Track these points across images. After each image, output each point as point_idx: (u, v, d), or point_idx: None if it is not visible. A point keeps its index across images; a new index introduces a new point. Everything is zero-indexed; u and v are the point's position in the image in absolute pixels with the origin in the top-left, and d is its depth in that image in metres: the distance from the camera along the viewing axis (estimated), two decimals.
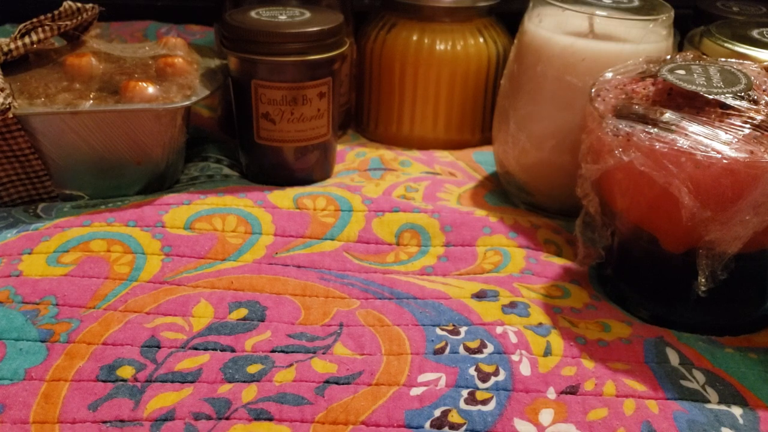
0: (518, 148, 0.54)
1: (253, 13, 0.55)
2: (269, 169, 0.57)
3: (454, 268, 0.48)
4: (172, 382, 0.37)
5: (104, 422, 0.35)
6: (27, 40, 0.52)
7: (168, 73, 0.53)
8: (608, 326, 0.43)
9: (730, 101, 0.39)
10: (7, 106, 0.48)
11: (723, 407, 0.37)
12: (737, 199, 0.37)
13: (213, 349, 0.39)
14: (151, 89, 0.51)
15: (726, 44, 0.52)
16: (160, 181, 0.55)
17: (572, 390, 0.37)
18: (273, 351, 0.39)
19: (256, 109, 0.54)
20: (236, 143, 0.59)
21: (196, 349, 0.39)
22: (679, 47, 0.60)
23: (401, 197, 0.54)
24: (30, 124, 0.49)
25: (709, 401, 0.37)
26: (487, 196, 0.57)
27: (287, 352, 0.39)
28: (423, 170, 0.61)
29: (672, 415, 0.36)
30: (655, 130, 0.39)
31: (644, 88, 0.42)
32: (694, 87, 0.40)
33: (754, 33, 0.54)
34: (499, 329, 0.41)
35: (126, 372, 0.37)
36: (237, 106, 0.56)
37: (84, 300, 0.42)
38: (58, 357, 0.38)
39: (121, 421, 0.35)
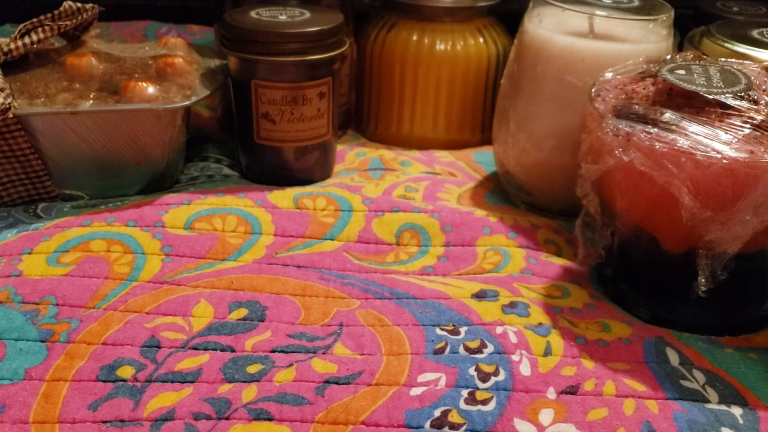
0: (518, 148, 0.54)
1: (253, 13, 0.55)
2: (269, 169, 0.57)
3: (454, 268, 0.48)
4: (172, 382, 0.37)
5: (104, 422, 0.35)
6: (27, 40, 0.52)
7: (168, 73, 0.53)
8: (608, 326, 0.43)
9: (730, 101, 0.39)
10: (7, 106, 0.48)
11: (723, 407, 0.37)
12: (737, 199, 0.37)
13: (213, 349, 0.39)
14: (151, 89, 0.51)
15: (726, 44, 0.52)
16: (160, 181, 0.55)
17: (572, 390, 0.37)
18: (273, 351, 0.39)
19: (256, 109, 0.54)
20: (236, 143, 0.59)
21: (196, 349, 0.39)
22: (679, 47, 0.60)
23: (401, 197, 0.54)
24: (30, 124, 0.49)
25: (709, 401, 0.37)
26: (487, 196, 0.57)
27: (287, 352, 0.39)
28: (423, 170, 0.61)
29: (672, 415, 0.36)
30: (655, 130, 0.39)
31: (644, 88, 0.42)
32: (694, 87, 0.40)
33: (754, 33, 0.54)
34: (499, 329, 0.41)
35: (126, 372, 0.37)
36: (237, 106, 0.56)
37: (84, 300, 0.42)
38: (58, 357, 0.38)
39: (121, 421, 0.35)
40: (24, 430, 0.34)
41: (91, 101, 0.50)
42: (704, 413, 0.36)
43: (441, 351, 0.40)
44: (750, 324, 0.43)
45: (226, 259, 0.47)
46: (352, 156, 0.63)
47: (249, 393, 0.36)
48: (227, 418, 0.35)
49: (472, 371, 0.38)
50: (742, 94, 0.39)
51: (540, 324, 0.42)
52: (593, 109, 0.42)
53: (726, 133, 0.38)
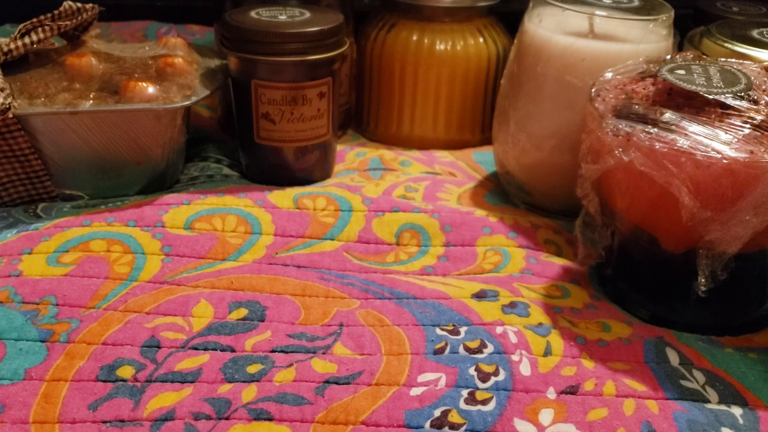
0: (518, 148, 0.54)
1: (253, 13, 0.55)
2: (269, 169, 0.57)
3: (454, 268, 0.48)
4: (172, 382, 0.37)
5: (104, 422, 0.35)
6: (27, 40, 0.52)
7: (168, 73, 0.53)
8: (608, 326, 0.43)
9: (730, 101, 0.39)
10: (7, 106, 0.48)
11: (723, 407, 0.37)
12: (737, 199, 0.37)
13: (213, 349, 0.39)
14: (151, 89, 0.51)
15: (726, 44, 0.52)
16: (160, 181, 0.55)
17: (572, 390, 0.37)
18: (273, 351, 0.39)
19: (256, 109, 0.54)
20: (236, 143, 0.59)
21: (196, 349, 0.39)
22: (679, 47, 0.60)
23: (401, 197, 0.54)
24: (30, 124, 0.49)
25: (709, 401, 0.37)
26: (487, 196, 0.57)
27: (287, 352, 0.39)
28: (423, 170, 0.61)
29: (672, 415, 0.36)
30: (655, 130, 0.39)
31: (644, 88, 0.42)
32: (694, 87, 0.40)
33: (754, 33, 0.54)
34: (499, 329, 0.41)
35: (126, 372, 0.37)
36: (237, 106, 0.56)
37: (84, 300, 0.42)
38: (58, 357, 0.38)
39: (121, 421, 0.35)
40: (24, 430, 0.34)
41: (91, 101, 0.50)
42: (704, 413, 0.36)
43: (441, 351, 0.40)
44: (750, 324, 0.43)
45: (226, 259, 0.47)
46: (352, 156, 0.63)
47: (249, 393, 0.36)
48: (227, 418, 0.35)
49: (472, 371, 0.38)
50: (742, 94, 0.39)
51: (540, 324, 0.42)
52: (593, 109, 0.42)
53: (726, 133, 0.38)
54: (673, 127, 0.38)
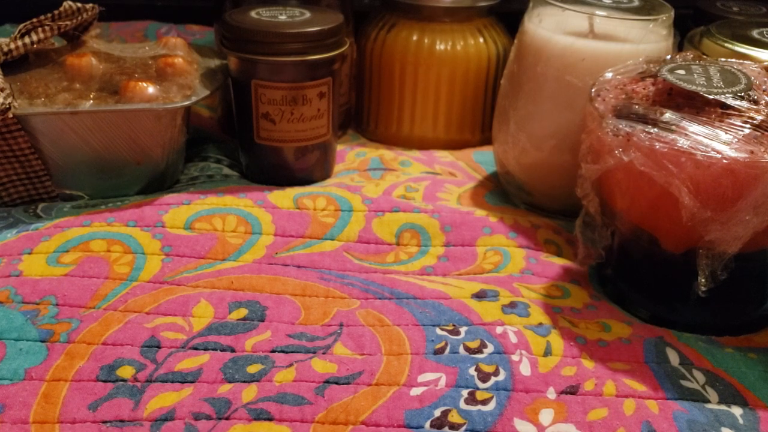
0: (518, 148, 0.54)
1: (253, 13, 0.55)
2: (269, 169, 0.57)
3: (454, 268, 0.48)
4: (172, 382, 0.37)
5: (104, 422, 0.35)
6: (27, 40, 0.52)
7: (168, 73, 0.53)
8: (608, 326, 0.43)
9: (730, 101, 0.39)
10: (7, 106, 0.48)
11: (723, 407, 0.37)
12: (737, 199, 0.37)
13: (213, 349, 0.39)
14: (151, 89, 0.51)
15: (726, 44, 0.52)
16: (160, 181, 0.55)
17: (572, 390, 0.37)
18: (273, 351, 0.39)
19: (256, 109, 0.54)
20: (236, 143, 0.59)
21: (196, 349, 0.39)
22: (679, 47, 0.60)
23: (401, 197, 0.54)
24: (30, 124, 0.49)
25: (709, 401, 0.37)
26: (487, 196, 0.57)
27: (287, 352, 0.39)
28: (423, 170, 0.61)
29: (672, 415, 0.36)
30: (655, 130, 0.39)
31: (644, 88, 0.42)
32: (694, 87, 0.40)
33: (754, 33, 0.54)
34: (499, 329, 0.41)
35: (126, 372, 0.37)
36: (237, 106, 0.56)
37: (84, 300, 0.42)
38: (58, 357, 0.38)
39: (121, 421, 0.35)
40: (24, 430, 0.34)
41: (91, 101, 0.50)
42: (704, 413, 0.36)
43: (441, 351, 0.40)
44: (750, 324, 0.43)
45: (226, 259, 0.47)
46: (352, 156, 0.63)
47: (249, 393, 0.36)
48: (227, 418, 0.35)
49: (472, 371, 0.38)
50: (742, 94, 0.39)
51: (540, 324, 0.42)
52: (593, 109, 0.42)
53: (726, 133, 0.38)
54: (673, 127, 0.38)
